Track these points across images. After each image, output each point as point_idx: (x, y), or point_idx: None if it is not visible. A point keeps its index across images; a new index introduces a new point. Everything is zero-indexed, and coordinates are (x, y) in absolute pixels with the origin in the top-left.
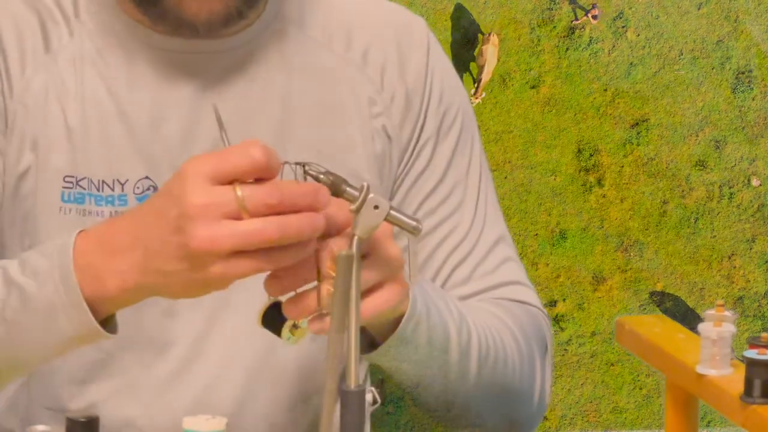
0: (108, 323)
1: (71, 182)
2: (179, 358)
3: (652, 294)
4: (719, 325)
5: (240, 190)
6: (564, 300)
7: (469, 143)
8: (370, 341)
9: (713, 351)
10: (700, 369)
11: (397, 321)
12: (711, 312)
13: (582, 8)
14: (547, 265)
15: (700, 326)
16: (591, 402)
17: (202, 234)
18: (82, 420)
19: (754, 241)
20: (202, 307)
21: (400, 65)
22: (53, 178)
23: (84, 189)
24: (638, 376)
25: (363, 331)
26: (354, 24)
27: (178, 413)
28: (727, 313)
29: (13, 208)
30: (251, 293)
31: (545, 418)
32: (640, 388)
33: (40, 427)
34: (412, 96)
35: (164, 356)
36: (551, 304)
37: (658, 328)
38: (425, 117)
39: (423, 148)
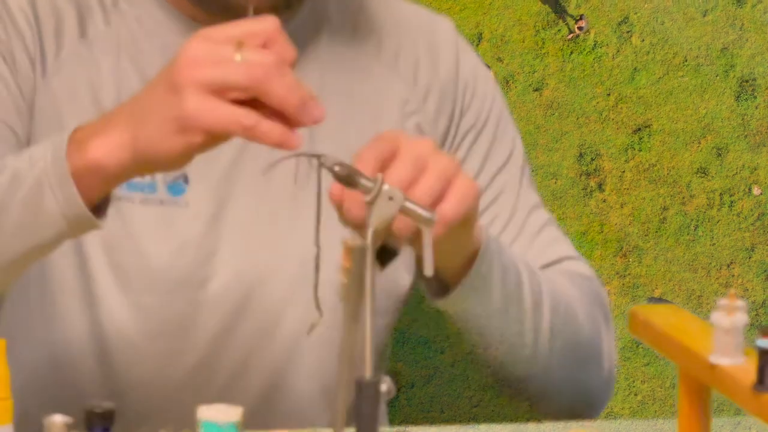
0: (99, 215)
1: None
2: (206, 348)
3: (650, 300)
4: (732, 315)
5: (240, 50)
6: None
7: (510, 134)
8: (441, 288)
9: (726, 340)
10: (713, 358)
11: (469, 262)
12: (724, 301)
13: (571, 17)
14: None
15: (713, 316)
16: None
17: (183, 64)
18: (99, 411)
19: (753, 251)
20: (230, 297)
21: (432, 62)
22: None
23: None
24: (633, 382)
25: (434, 277)
26: (384, 26)
27: (204, 402)
28: (740, 302)
29: None
30: (280, 284)
31: (539, 422)
32: (636, 395)
33: (59, 417)
34: (446, 91)
35: (191, 346)
36: None
37: (672, 317)
38: (461, 111)
39: (462, 141)
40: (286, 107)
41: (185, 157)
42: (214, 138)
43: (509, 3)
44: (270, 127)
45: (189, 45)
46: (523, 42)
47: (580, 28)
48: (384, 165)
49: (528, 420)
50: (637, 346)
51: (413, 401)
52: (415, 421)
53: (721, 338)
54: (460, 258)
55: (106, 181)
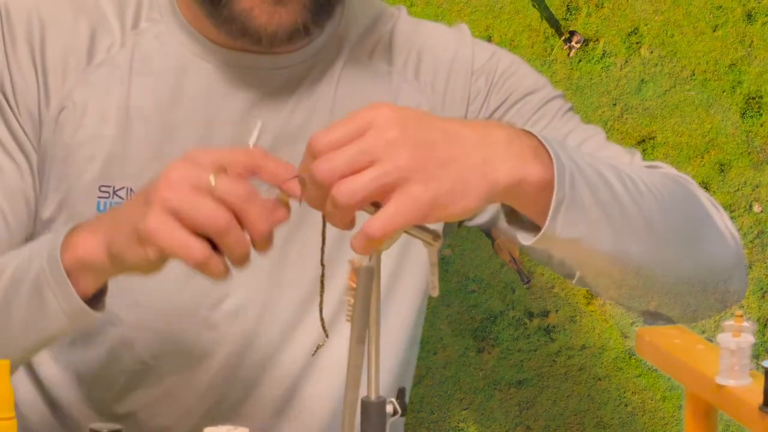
0: (97, 305)
1: (107, 192)
2: (217, 370)
3: (645, 312)
4: (738, 336)
5: (215, 177)
6: (557, 311)
7: (566, 108)
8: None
9: (732, 361)
10: (719, 379)
11: (545, 183)
12: (730, 323)
13: (563, 39)
14: (543, 275)
15: (719, 337)
16: (575, 415)
17: (162, 183)
18: None
19: (750, 268)
20: (242, 318)
21: (450, 64)
22: (86, 190)
23: (122, 199)
24: (624, 393)
25: (520, 221)
26: (406, 45)
27: (214, 424)
28: (746, 324)
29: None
30: (290, 306)
31: (528, 428)
32: (626, 405)
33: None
34: (460, 81)
35: (202, 367)
36: (544, 314)
37: (678, 339)
38: (487, 93)
39: (509, 113)
40: (231, 256)
41: (149, 265)
42: (168, 258)
43: (520, 8)
44: (218, 264)
45: (173, 165)
46: (532, 47)
47: (578, 42)
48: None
49: (517, 425)
50: (630, 357)
51: None
52: (405, 421)
53: (727, 359)
54: (535, 202)
55: (95, 277)
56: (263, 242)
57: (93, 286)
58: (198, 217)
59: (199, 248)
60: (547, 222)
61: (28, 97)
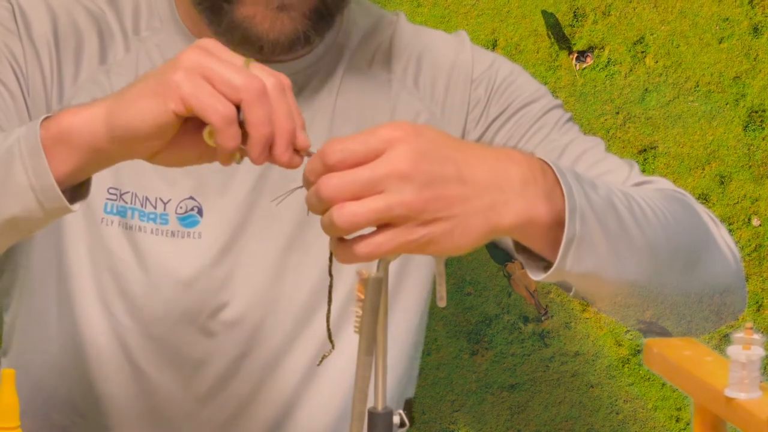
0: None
1: (115, 194)
2: (215, 378)
3: (640, 321)
4: (748, 348)
5: (250, 63)
6: (552, 317)
7: (566, 118)
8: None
9: (742, 374)
10: (729, 392)
11: (555, 220)
12: (740, 335)
13: (577, 54)
14: None
15: (729, 349)
16: (567, 421)
17: (193, 49)
18: None
19: (747, 281)
20: (241, 327)
21: (449, 72)
22: (97, 188)
23: (127, 203)
24: (616, 401)
25: (528, 254)
26: (405, 53)
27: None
28: (756, 336)
29: None
30: (291, 315)
31: (518, 431)
32: (617, 413)
33: None
34: (460, 89)
35: (200, 375)
36: (538, 319)
37: (687, 351)
38: (487, 102)
39: (506, 125)
40: (252, 134)
41: (158, 121)
42: (186, 114)
43: (527, 13)
44: (235, 135)
45: (206, 39)
46: (537, 53)
47: (591, 60)
48: (352, 165)
49: (508, 429)
50: (623, 365)
51: None
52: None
53: (737, 372)
54: (544, 239)
55: (77, 152)
56: (283, 144)
57: (71, 165)
58: (232, 79)
59: (227, 106)
60: (557, 261)
61: (43, 84)
